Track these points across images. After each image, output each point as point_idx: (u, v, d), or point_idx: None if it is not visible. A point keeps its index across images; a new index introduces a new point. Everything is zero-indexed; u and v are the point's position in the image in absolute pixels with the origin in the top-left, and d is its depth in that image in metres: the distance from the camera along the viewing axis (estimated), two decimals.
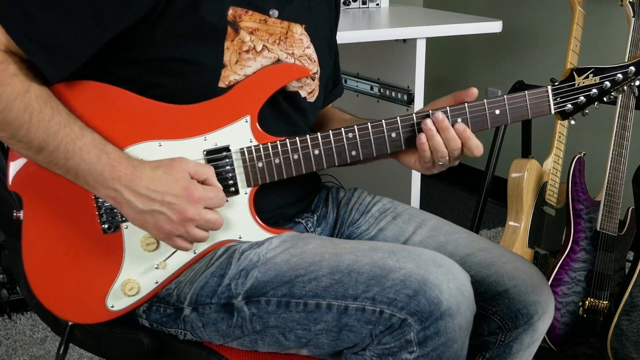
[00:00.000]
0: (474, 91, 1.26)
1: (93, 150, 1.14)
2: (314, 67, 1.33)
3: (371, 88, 2.50)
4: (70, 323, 1.27)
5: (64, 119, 1.13)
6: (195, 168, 1.18)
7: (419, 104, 2.32)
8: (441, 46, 3.49)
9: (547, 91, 1.27)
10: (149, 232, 1.19)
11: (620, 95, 1.97)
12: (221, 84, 1.21)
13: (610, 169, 2.01)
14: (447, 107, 1.26)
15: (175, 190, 1.15)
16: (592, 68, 1.27)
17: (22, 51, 1.11)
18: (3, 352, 2.24)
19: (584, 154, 2.14)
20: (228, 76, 1.21)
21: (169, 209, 1.15)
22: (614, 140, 2.00)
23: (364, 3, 2.73)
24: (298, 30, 1.29)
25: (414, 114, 1.26)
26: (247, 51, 1.22)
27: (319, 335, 1.17)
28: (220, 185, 1.20)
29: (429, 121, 1.24)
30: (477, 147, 1.25)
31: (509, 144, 2.40)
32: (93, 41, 1.14)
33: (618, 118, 1.99)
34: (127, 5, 1.12)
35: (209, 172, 1.19)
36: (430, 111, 1.25)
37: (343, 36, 2.15)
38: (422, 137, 1.25)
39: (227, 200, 1.23)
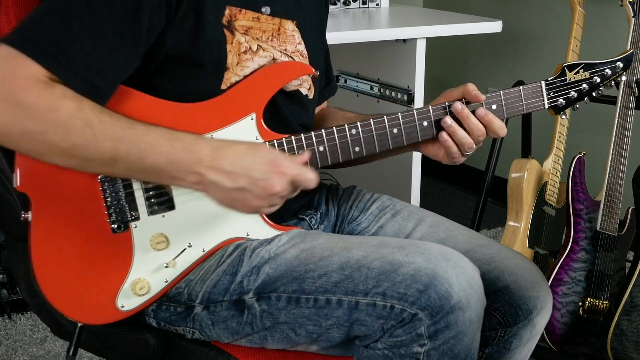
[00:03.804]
0: (474, 91, 1.28)
1: (165, 141, 1.11)
2: (306, 63, 1.33)
3: (371, 88, 2.50)
4: (79, 324, 1.26)
5: (125, 122, 1.11)
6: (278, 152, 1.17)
7: (419, 104, 2.32)
8: (441, 46, 3.49)
9: (540, 86, 1.30)
10: (237, 210, 1.16)
11: (620, 95, 1.98)
12: (223, 86, 1.22)
13: (610, 169, 2.02)
14: (446, 103, 1.27)
15: (261, 163, 1.12)
16: (582, 64, 1.31)
17: (64, 84, 1.09)
18: (3, 352, 2.24)
19: (584, 154, 2.15)
20: (229, 78, 1.22)
21: (255, 186, 1.12)
22: (614, 140, 2.00)
23: (364, 3, 2.73)
24: (289, 26, 1.30)
25: (414, 110, 1.28)
26: (245, 52, 1.23)
27: (330, 330, 1.17)
28: (302, 157, 1.18)
29: (448, 118, 1.26)
30: (500, 128, 1.27)
31: (509, 144, 2.40)
32: (125, 60, 1.13)
33: (618, 118, 2.00)
34: (140, 20, 1.11)
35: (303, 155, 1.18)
36: (447, 103, 1.27)
37: (343, 36, 2.16)
38: (444, 135, 1.26)
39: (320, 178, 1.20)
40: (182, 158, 1.11)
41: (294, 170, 1.14)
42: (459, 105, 1.26)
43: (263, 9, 1.25)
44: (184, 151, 1.11)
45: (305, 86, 1.34)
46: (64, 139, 1.08)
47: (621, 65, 1.32)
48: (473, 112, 1.26)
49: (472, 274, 1.15)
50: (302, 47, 1.33)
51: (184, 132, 1.14)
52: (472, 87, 1.28)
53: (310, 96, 1.37)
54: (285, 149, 1.23)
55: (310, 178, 1.15)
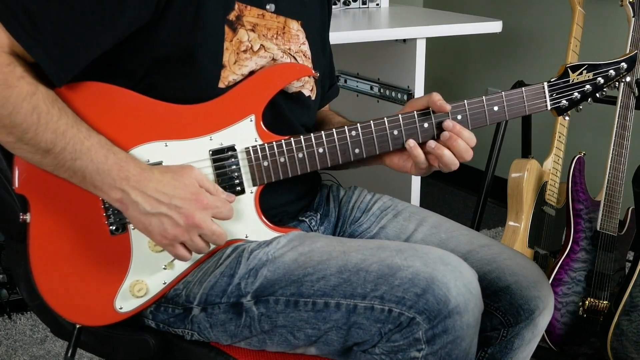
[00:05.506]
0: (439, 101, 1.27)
1: (101, 150, 1.13)
2: (308, 64, 1.34)
3: (371, 88, 2.50)
4: (78, 326, 1.26)
5: (71, 119, 1.13)
6: (204, 179, 1.18)
7: None
8: (441, 46, 3.49)
9: (543, 88, 1.30)
10: (152, 238, 1.18)
11: (620, 95, 1.98)
12: (221, 85, 1.22)
13: (610, 169, 2.02)
14: (449, 112, 1.27)
15: (184, 194, 1.15)
16: (585, 64, 1.31)
17: (27, 52, 1.10)
18: (3, 352, 2.24)
19: (584, 154, 2.15)
20: (227, 77, 1.21)
21: (176, 213, 1.14)
22: (614, 140, 2.00)
23: (364, 3, 2.73)
24: (294, 26, 1.30)
25: (415, 112, 1.27)
26: (245, 51, 1.22)
27: (329, 332, 1.17)
28: (230, 197, 1.20)
29: (446, 132, 1.25)
30: (469, 138, 1.27)
31: (509, 144, 2.40)
32: (97, 43, 1.13)
33: (618, 118, 2.00)
34: (124, 11, 1.11)
35: (218, 188, 1.19)
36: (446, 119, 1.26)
37: (343, 36, 2.15)
38: (432, 143, 1.26)
39: (234, 202, 1.23)
40: (110, 171, 1.13)
41: (215, 202, 1.16)
42: (450, 123, 1.25)
43: (267, 6, 1.26)
44: (115, 165, 1.13)
45: (308, 87, 1.34)
46: (8, 116, 1.08)
47: (625, 66, 1.31)
48: (440, 123, 1.26)
49: (471, 279, 1.15)
50: (305, 47, 1.33)
51: (119, 148, 1.16)
52: (437, 97, 1.26)
53: (313, 97, 1.37)
54: (285, 150, 1.23)
55: (226, 215, 1.18)
